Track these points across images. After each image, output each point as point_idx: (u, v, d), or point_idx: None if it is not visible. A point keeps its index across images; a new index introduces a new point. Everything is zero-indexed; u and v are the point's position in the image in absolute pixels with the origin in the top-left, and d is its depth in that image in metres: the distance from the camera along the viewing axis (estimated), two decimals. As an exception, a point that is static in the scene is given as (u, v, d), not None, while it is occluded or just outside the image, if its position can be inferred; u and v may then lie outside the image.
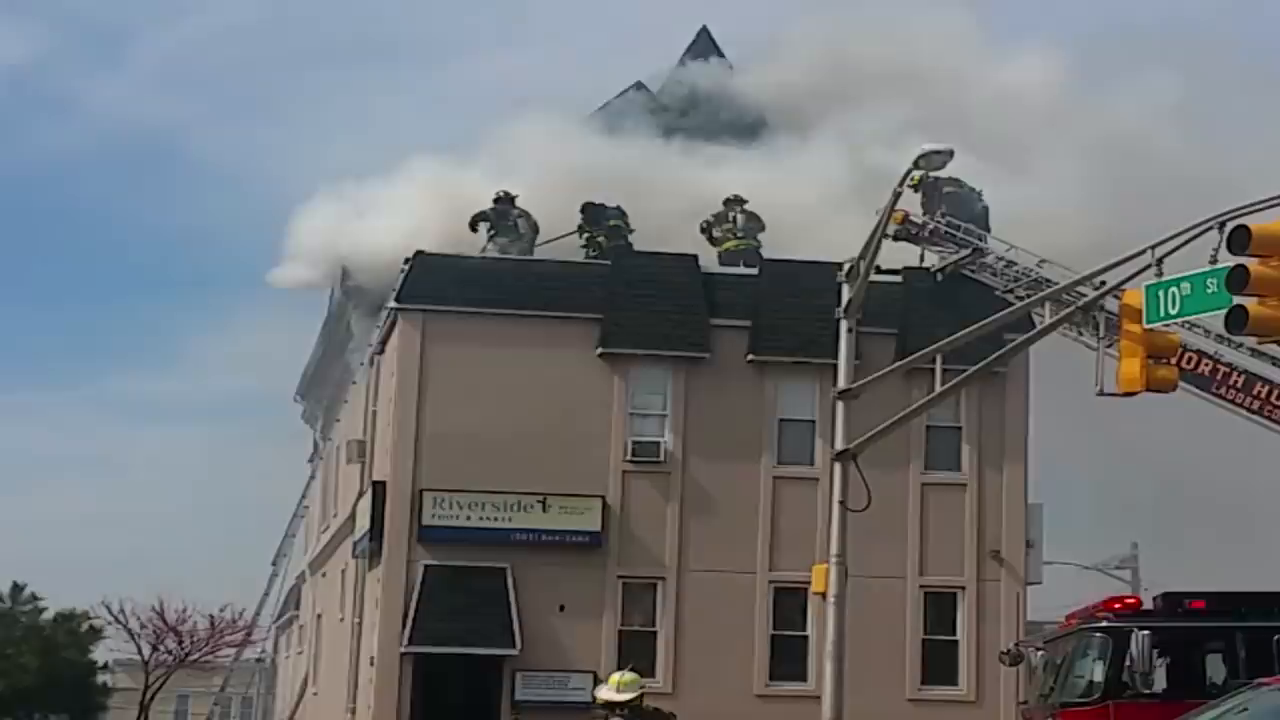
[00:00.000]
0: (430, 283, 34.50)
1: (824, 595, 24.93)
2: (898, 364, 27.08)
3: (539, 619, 33.37)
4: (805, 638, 32.95)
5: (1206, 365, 31.16)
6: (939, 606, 34.67)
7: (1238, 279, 17.74)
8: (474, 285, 34.69)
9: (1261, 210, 18.45)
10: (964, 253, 34.90)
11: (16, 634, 47.00)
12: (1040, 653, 28.20)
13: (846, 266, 25.90)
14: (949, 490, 34.85)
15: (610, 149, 39.78)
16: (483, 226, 36.37)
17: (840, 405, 25.09)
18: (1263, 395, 31.40)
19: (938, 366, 25.43)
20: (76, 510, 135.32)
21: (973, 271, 34.76)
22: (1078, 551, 47.86)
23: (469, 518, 33.55)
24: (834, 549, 24.59)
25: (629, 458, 34.16)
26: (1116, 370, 20.93)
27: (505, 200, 36.57)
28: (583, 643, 33.26)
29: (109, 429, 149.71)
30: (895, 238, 32.26)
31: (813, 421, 33.57)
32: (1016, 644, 31.31)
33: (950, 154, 23.90)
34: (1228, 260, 18.01)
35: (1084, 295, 24.69)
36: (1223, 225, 18.40)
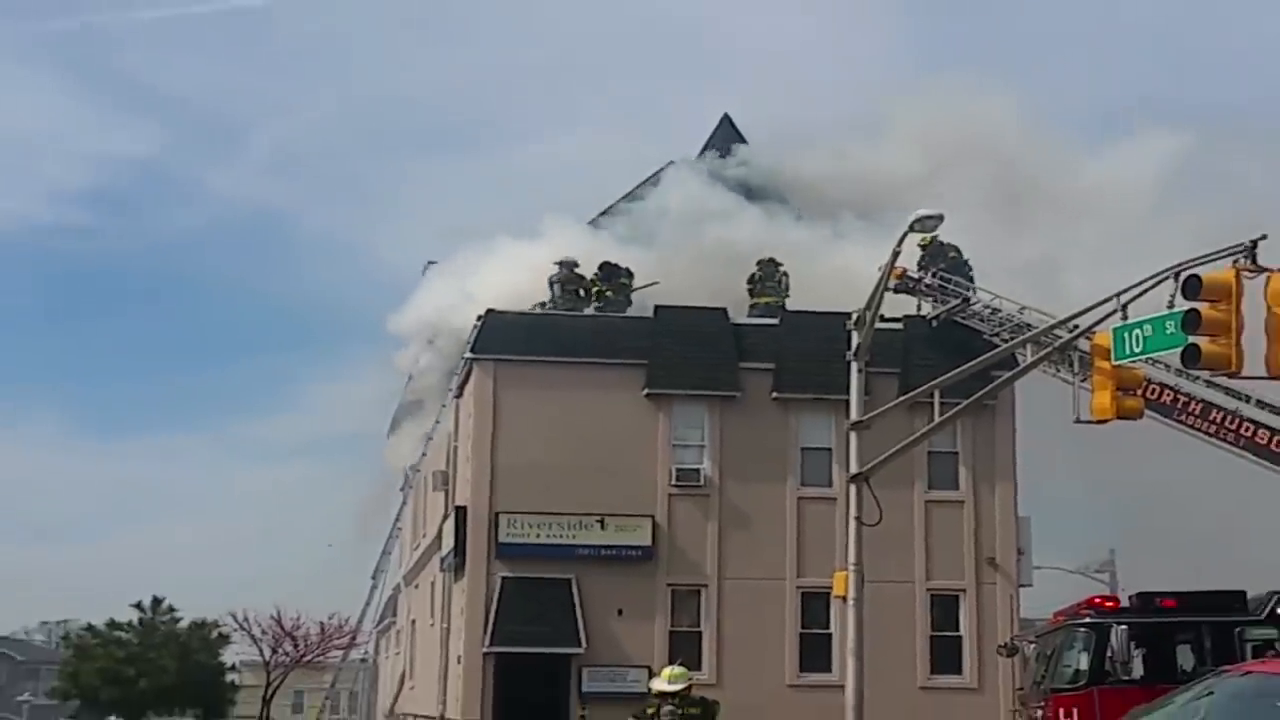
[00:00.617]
0: (500, 336, 34.59)
1: (844, 598, 24.80)
2: (901, 399, 26.94)
3: (600, 622, 33.30)
4: (829, 635, 32.73)
5: (1168, 396, 30.91)
6: (943, 607, 34.48)
7: (1192, 321, 17.76)
8: (537, 337, 34.80)
9: (1211, 261, 18.35)
10: (955, 302, 34.92)
11: (156, 640, 47.12)
12: (1033, 646, 28.01)
13: (854, 316, 25.83)
14: (949, 506, 34.69)
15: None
16: (556, 286, 36.49)
17: (853, 435, 24.98)
18: (1218, 420, 31.12)
19: (936, 400, 25.31)
20: (206, 535, 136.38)
21: (963, 318, 34.74)
22: (1062, 557, 47.56)
23: (538, 536, 33.52)
24: (851, 558, 24.47)
25: (673, 482, 34.12)
26: (1090, 401, 20.83)
27: (568, 265, 36.67)
28: (638, 642, 33.15)
29: (232, 466, 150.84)
30: (895, 291, 32.19)
31: (830, 449, 33.44)
32: (1012, 638, 31.11)
33: (941, 218, 23.86)
34: (1183, 305, 17.94)
35: (1060, 337, 24.57)
36: (1178, 275, 18.32)
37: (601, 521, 33.61)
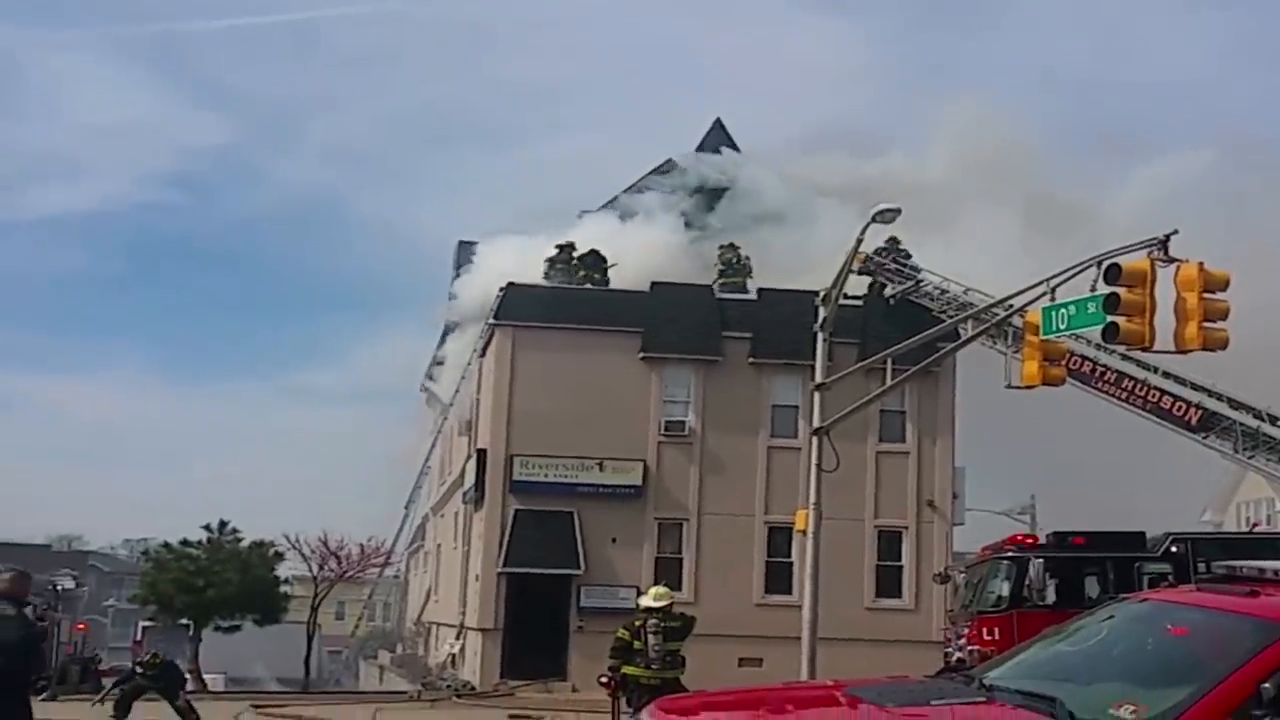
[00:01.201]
0: (518, 305, 34.53)
1: (804, 532, 24.75)
2: (859, 365, 26.87)
3: (597, 548, 33.35)
4: (791, 563, 32.79)
5: (1088, 366, 30.90)
6: (888, 541, 34.54)
7: (1111, 303, 17.68)
8: (550, 307, 34.71)
9: (1130, 251, 18.29)
10: (908, 284, 34.82)
11: (222, 557, 47.01)
12: (963, 575, 28.02)
13: (821, 294, 25.73)
14: (896, 457, 34.71)
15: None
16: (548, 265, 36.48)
17: (817, 395, 24.89)
18: (1129, 388, 31.13)
19: (889, 367, 25.40)
20: (265, 468, 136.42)
21: (915, 297, 34.67)
22: (991, 501, 47.54)
23: (546, 475, 33.53)
24: (812, 499, 24.39)
25: (662, 432, 34.14)
26: (1021, 369, 20.76)
27: (567, 249, 36.62)
28: (629, 566, 33.19)
29: (288, 410, 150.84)
30: (858, 273, 32.09)
31: (797, 407, 33.37)
32: (945, 569, 31.11)
33: (899, 211, 23.71)
34: (1104, 289, 17.89)
35: (997, 314, 24.50)
36: (1100, 263, 18.25)
37: (600, 464, 33.60)
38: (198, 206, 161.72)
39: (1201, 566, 23.72)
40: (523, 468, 33.52)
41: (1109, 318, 17.80)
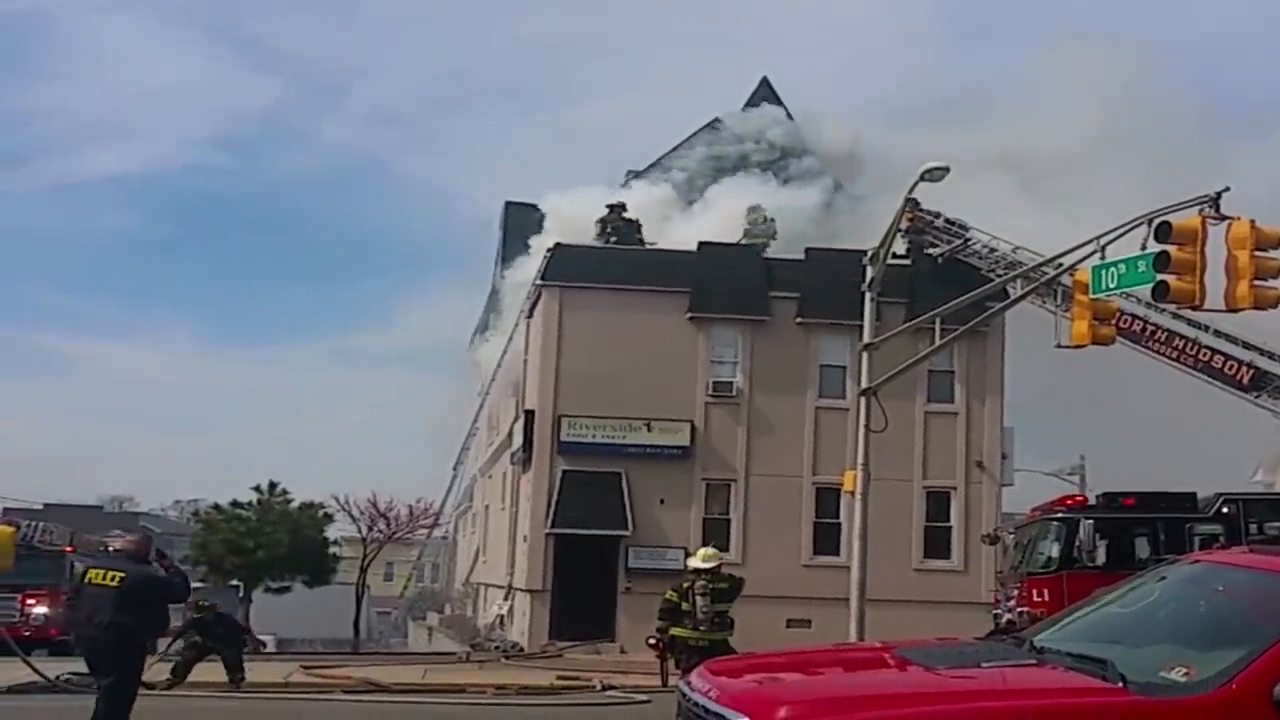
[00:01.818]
0: (565, 266, 34.55)
1: (853, 493, 24.85)
2: (907, 325, 26.81)
3: (645, 509, 33.45)
4: (839, 524, 32.80)
5: (1138, 325, 30.71)
6: (937, 502, 34.46)
7: (1162, 261, 17.62)
8: (597, 268, 34.74)
9: (1181, 209, 18.16)
10: (956, 242, 34.62)
11: (272, 518, 47.46)
12: (1012, 536, 27.95)
13: (869, 253, 25.69)
14: (944, 417, 34.58)
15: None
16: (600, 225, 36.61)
17: (865, 355, 24.91)
18: (1180, 347, 30.94)
19: (937, 326, 25.22)
20: (314, 430, 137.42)
21: (963, 256, 34.46)
22: (1040, 462, 47.35)
23: (594, 436, 33.62)
24: (860, 459, 24.47)
25: (710, 393, 34.13)
26: (1070, 329, 20.66)
27: (619, 208, 36.68)
28: (677, 526, 33.28)
29: (336, 372, 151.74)
30: (906, 232, 31.95)
31: (845, 367, 33.31)
32: (995, 530, 31.07)
33: (947, 169, 23.58)
34: (1154, 247, 17.78)
35: (1046, 273, 24.39)
36: (1150, 221, 18.14)
37: (648, 424, 33.65)
38: (245, 169, 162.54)
39: (1253, 527, 23.67)
40: (570, 429, 33.64)
41: (1159, 276, 17.73)
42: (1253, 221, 17.31)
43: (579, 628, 32.47)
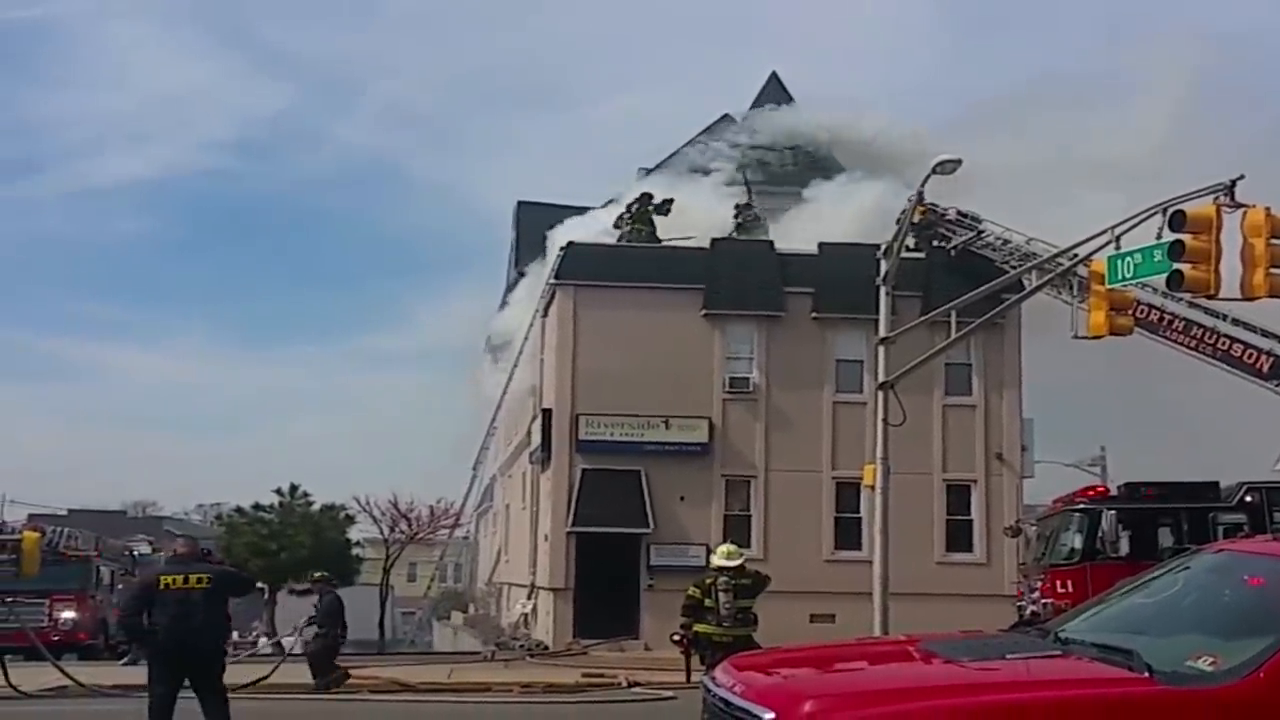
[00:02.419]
0: (579, 264, 34.56)
1: (872, 488, 24.81)
2: (923, 318, 26.77)
3: (665, 506, 33.43)
4: (859, 519, 32.69)
5: (1155, 315, 30.58)
6: (957, 495, 34.37)
7: (1177, 250, 17.56)
8: (611, 265, 34.75)
9: (1196, 197, 18.10)
10: (969, 235, 34.52)
11: (294, 520, 47.56)
12: (1034, 528, 27.99)
13: (883, 246, 25.67)
14: (963, 410, 34.50)
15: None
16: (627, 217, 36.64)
17: (881, 349, 24.89)
18: (1198, 336, 30.81)
19: (953, 319, 25.29)
20: (333, 432, 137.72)
21: (977, 248, 34.36)
22: (1060, 453, 47.24)
23: (613, 434, 33.60)
24: (879, 453, 24.45)
25: (727, 389, 34.09)
26: (1087, 319, 20.63)
27: (645, 198, 36.89)
28: (697, 523, 33.27)
29: (354, 374, 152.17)
30: (919, 225, 31.88)
31: (861, 361, 33.21)
32: (1016, 522, 31.10)
33: (959, 162, 23.55)
34: (1169, 236, 17.74)
35: (1061, 264, 24.33)
36: (1165, 210, 18.09)
37: (666, 422, 33.64)
38: (260, 171, 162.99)
39: (1277, 516, 23.64)
40: (588, 427, 33.64)
41: (1174, 265, 17.67)
42: (1268, 209, 17.25)
43: (603, 625, 32.47)
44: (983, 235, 34.36)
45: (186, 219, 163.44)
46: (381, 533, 51.11)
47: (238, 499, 52.32)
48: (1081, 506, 24.99)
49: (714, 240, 35.37)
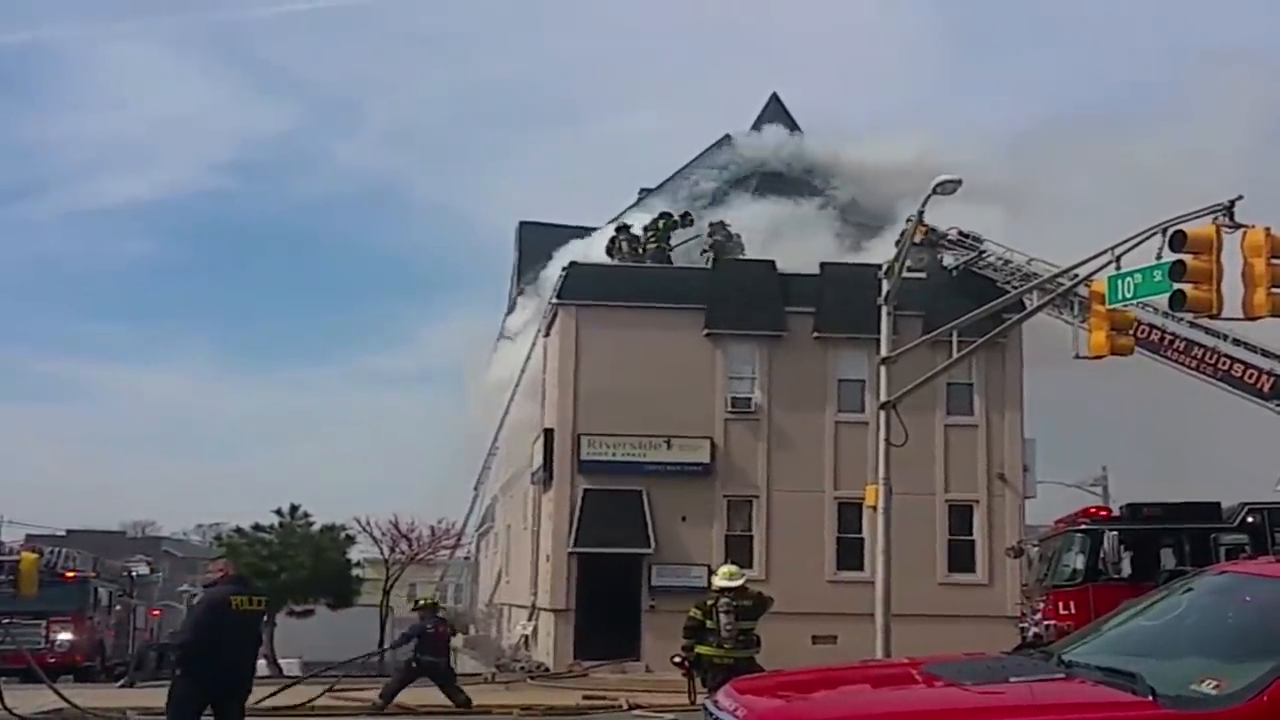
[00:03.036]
0: (581, 284, 34.59)
1: (875, 508, 24.79)
2: (925, 338, 26.76)
3: (667, 527, 33.39)
4: (862, 539, 32.63)
5: (1156, 335, 30.58)
6: (959, 515, 34.33)
7: (1178, 270, 17.58)
8: (613, 285, 34.79)
9: (1195, 218, 18.12)
10: (971, 254, 34.55)
11: (294, 541, 47.42)
12: (1036, 549, 27.94)
13: (885, 266, 25.68)
14: (965, 430, 34.48)
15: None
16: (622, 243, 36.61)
17: (883, 369, 24.86)
18: (1199, 356, 30.80)
19: (955, 339, 25.25)
20: (334, 452, 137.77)
21: (979, 268, 34.40)
22: (1062, 473, 47.20)
23: (614, 454, 33.58)
24: (881, 474, 24.42)
25: (729, 409, 34.09)
26: (1088, 339, 20.63)
27: (625, 229, 36.97)
28: (699, 544, 33.23)
29: (355, 394, 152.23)
30: (920, 244, 31.88)
31: (863, 381, 33.22)
32: (1018, 543, 31.03)
33: (959, 182, 23.57)
34: (1170, 257, 17.76)
35: (1062, 284, 24.34)
36: (1165, 230, 18.10)
37: (668, 442, 33.62)
38: (262, 192, 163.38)
39: (1279, 537, 23.59)
40: (590, 447, 33.62)
41: (1175, 285, 17.70)
42: (1268, 229, 17.28)
43: (604, 647, 32.39)
44: (984, 255, 34.41)
45: (187, 240, 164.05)
46: (382, 553, 51.06)
47: (237, 519, 52.26)
48: (1083, 527, 24.95)
49: (716, 260, 35.41)
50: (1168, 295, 18.03)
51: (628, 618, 32.89)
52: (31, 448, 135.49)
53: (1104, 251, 19.92)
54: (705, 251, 36.23)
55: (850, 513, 33.09)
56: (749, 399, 34.22)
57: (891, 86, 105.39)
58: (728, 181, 41.97)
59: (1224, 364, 30.56)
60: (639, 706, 21.93)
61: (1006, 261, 33.91)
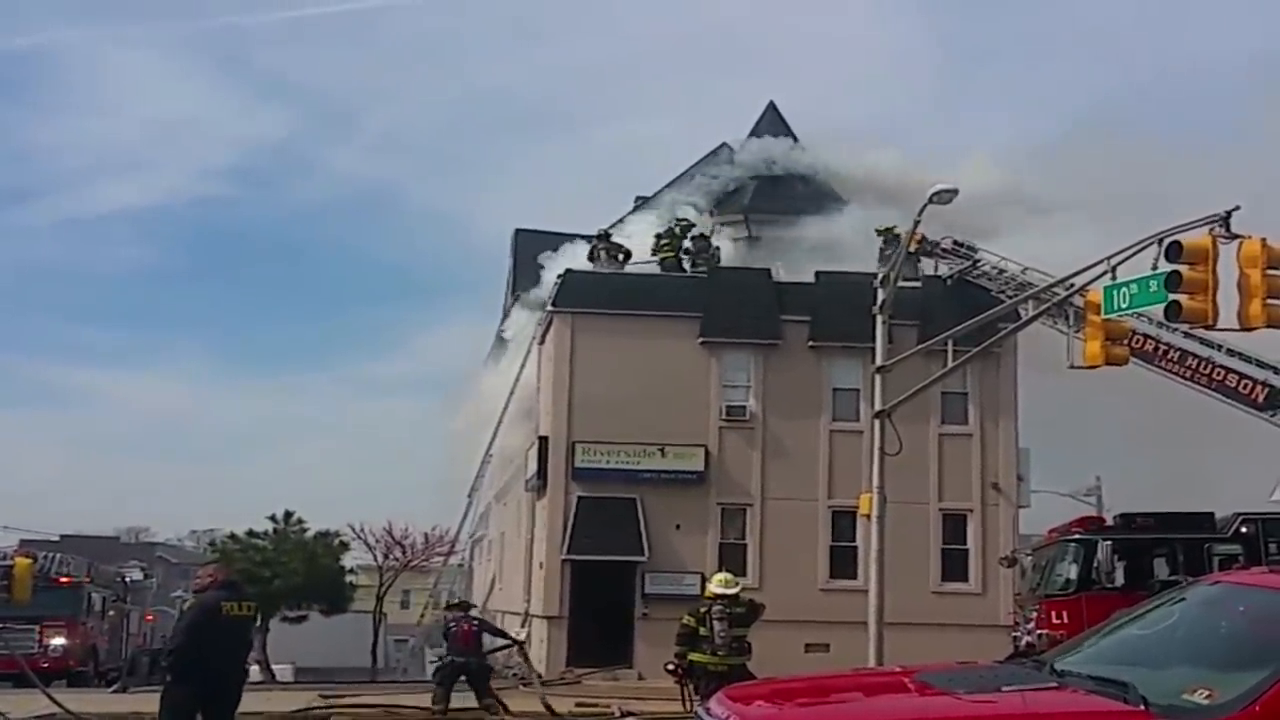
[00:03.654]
0: (576, 292, 34.60)
1: (868, 517, 24.73)
2: (919, 347, 26.76)
3: (661, 534, 33.39)
4: (855, 548, 32.66)
5: (1150, 345, 30.63)
6: (953, 525, 34.32)
7: (1173, 281, 17.56)
8: (608, 293, 34.79)
9: (1191, 228, 18.12)
10: (965, 264, 34.61)
11: (287, 547, 47.30)
12: (1030, 558, 27.96)
13: (880, 275, 25.69)
14: (959, 439, 34.48)
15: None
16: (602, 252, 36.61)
17: (878, 378, 24.85)
18: (1193, 366, 30.87)
19: (949, 348, 25.20)
20: (328, 459, 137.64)
21: (974, 278, 34.45)
22: (1056, 483, 47.17)
23: (609, 461, 33.57)
24: (875, 482, 24.37)
25: (723, 417, 34.10)
26: (1083, 349, 20.62)
27: (604, 237, 37.03)
28: (693, 552, 33.21)
29: (349, 400, 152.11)
30: (915, 254, 31.95)
31: (858, 390, 33.21)
32: (1012, 552, 31.05)
33: (956, 192, 23.57)
34: (1166, 267, 17.76)
35: (1058, 294, 24.31)
36: (1161, 241, 18.11)
37: (662, 450, 33.62)
38: (258, 199, 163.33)
39: (1273, 547, 23.62)
40: (584, 454, 33.61)
41: (1171, 296, 17.67)
42: (1264, 240, 17.26)
43: (596, 654, 32.37)
44: (978, 264, 34.47)
45: (183, 246, 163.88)
46: (375, 560, 51.02)
47: (231, 525, 52.08)
48: (1077, 537, 24.97)
49: (712, 269, 35.43)
50: (1163, 306, 18.03)
51: (621, 625, 32.87)
52: (26, 453, 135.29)
53: (1100, 261, 19.93)
54: (681, 255, 36.30)
55: (844, 521, 33.10)
56: (743, 407, 34.23)
57: (888, 96, 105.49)
58: (724, 189, 41.95)
59: (1218, 374, 30.62)
60: (631, 714, 21.90)
61: (1001, 271, 33.98)
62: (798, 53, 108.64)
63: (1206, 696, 6.06)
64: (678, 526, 33.44)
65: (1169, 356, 30.90)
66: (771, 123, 44.42)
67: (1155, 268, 18.07)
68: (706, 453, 33.86)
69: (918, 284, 33.56)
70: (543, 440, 34.54)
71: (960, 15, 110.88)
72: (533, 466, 35.52)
